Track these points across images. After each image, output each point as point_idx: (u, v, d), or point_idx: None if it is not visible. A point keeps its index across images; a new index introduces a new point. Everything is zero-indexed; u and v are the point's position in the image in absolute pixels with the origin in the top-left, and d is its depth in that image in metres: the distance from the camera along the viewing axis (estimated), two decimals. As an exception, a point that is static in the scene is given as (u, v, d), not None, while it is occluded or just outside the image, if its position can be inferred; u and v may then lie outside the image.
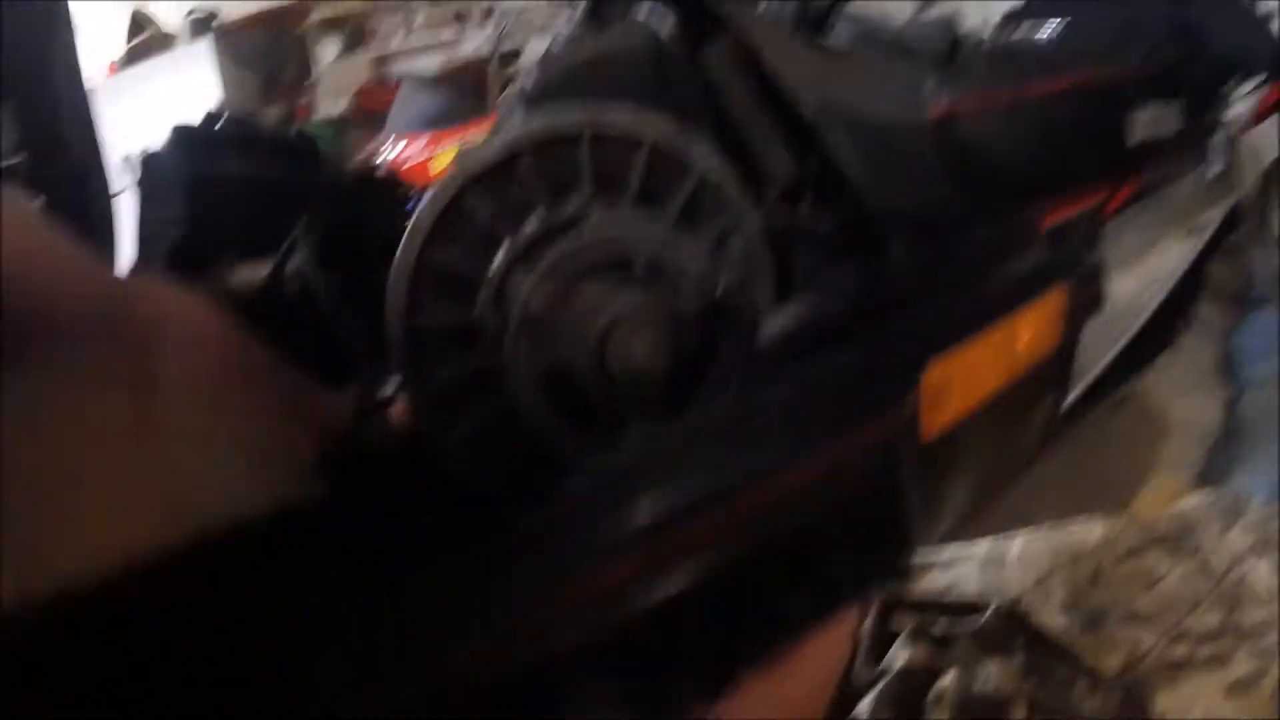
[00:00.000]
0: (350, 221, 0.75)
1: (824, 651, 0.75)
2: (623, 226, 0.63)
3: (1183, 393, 1.52)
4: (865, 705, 0.71)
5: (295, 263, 0.74)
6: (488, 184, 0.63)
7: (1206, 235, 1.62)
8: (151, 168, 0.90)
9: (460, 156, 0.64)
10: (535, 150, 0.62)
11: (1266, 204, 1.81)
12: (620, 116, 0.65)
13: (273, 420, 0.51)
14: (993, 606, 0.72)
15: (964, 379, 0.58)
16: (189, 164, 0.88)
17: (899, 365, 0.55)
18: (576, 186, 0.64)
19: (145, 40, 3.20)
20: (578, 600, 0.49)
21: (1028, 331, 0.61)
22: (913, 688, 0.70)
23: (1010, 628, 0.71)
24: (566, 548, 0.50)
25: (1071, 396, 1.13)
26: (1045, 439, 0.83)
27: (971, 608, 0.74)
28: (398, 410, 0.70)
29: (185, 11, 3.19)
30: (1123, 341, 1.35)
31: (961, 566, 0.81)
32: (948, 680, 0.69)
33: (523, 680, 0.48)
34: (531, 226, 0.62)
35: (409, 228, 0.62)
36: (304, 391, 0.62)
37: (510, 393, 0.60)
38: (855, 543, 0.61)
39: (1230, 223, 1.73)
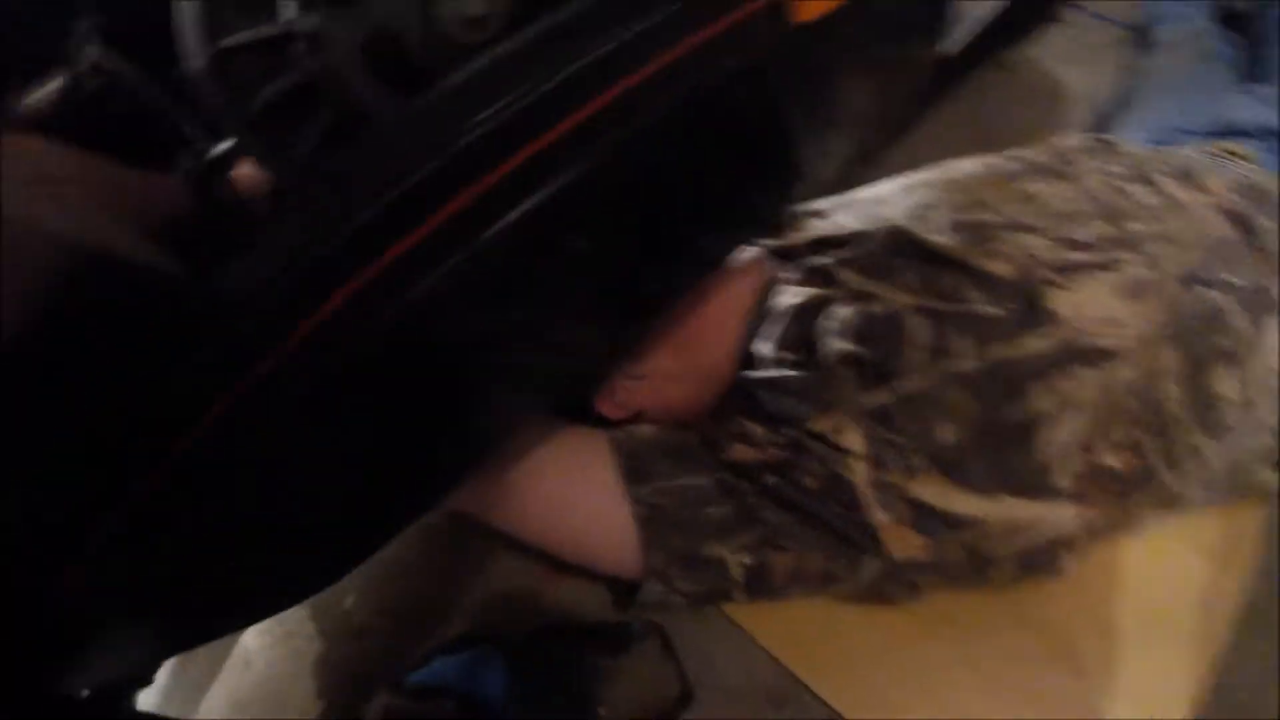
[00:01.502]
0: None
1: (725, 310, 0.75)
2: None
3: (1073, 63, 1.51)
4: (765, 349, 0.70)
5: (87, 60, 0.67)
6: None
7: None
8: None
9: None
10: None
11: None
12: None
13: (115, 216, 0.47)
14: (877, 232, 0.72)
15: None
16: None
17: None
18: None
19: None
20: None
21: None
22: (808, 322, 0.69)
23: (896, 249, 0.70)
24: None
25: (953, 46, 1.10)
26: (928, 83, 0.79)
27: (855, 238, 0.74)
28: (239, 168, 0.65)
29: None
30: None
31: (840, 213, 0.80)
32: (842, 309, 0.68)
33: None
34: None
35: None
36: (135, 181, 0.58)
37: (338, 89, 0.55)
38: (736, 151, 0.58)
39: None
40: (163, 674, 0.83)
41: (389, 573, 0.84)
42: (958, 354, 0.63)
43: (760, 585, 0.67)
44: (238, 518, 0.48)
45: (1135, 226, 0.69)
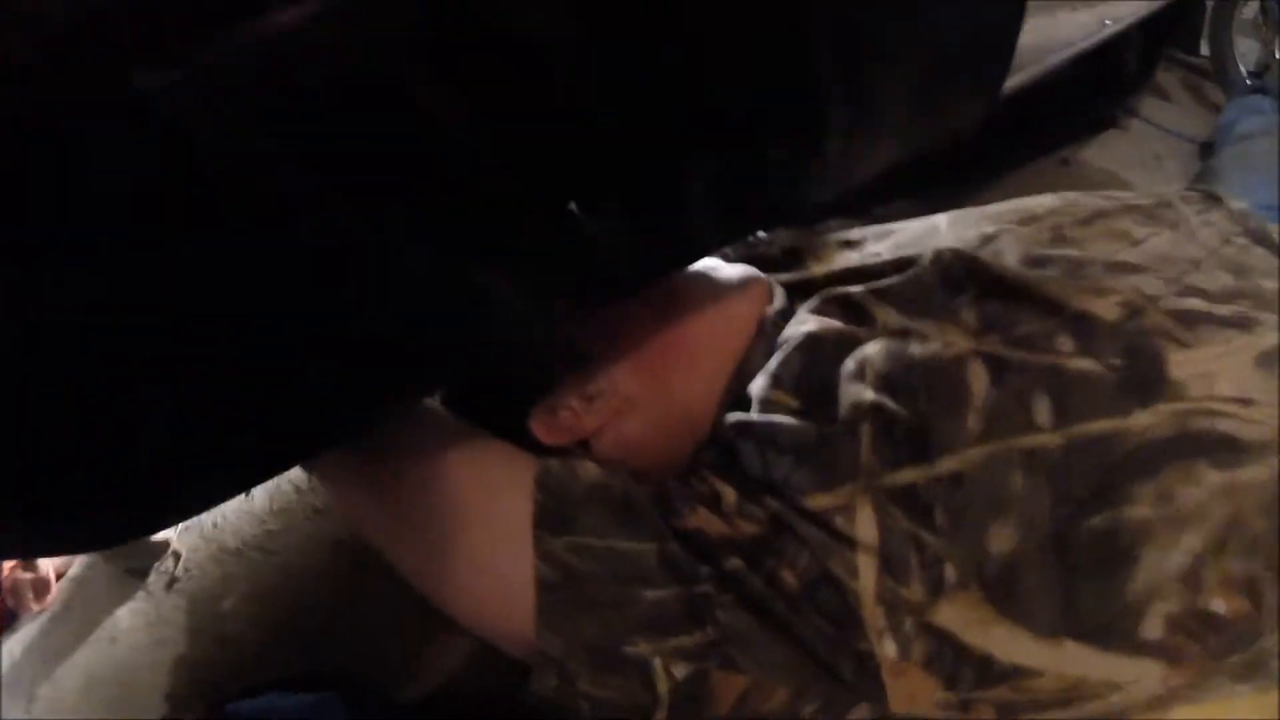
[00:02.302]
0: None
1: (715, 330, 0.57)
2: None
3: (1135, 168, 1.46)
4: (759, 386, 0.52)
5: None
6: None
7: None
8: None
9: None
10: None
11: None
12: None
13: None
14: (927, 257, 0.53)
15: None
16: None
17: None
18: None
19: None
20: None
21: None
22: (822, 360, 0.50)
23: (954, 280, 0.52)
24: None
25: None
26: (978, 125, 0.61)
27: (897, 266, 0.55)
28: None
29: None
30: (1060, 56, 1.19)
31: (878, 243, 0.62)
32: (870, 348, 0.49)
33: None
34: None
35: None
36: None
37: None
38: (746, 39, 0.39)
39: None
40: (30, 633, 0.81)
41: (277, 583, 0.75)
42: (1033, 423, 0.44)
43: (692, 710, 0.46)
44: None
45: (1268, 284, 0.52)
